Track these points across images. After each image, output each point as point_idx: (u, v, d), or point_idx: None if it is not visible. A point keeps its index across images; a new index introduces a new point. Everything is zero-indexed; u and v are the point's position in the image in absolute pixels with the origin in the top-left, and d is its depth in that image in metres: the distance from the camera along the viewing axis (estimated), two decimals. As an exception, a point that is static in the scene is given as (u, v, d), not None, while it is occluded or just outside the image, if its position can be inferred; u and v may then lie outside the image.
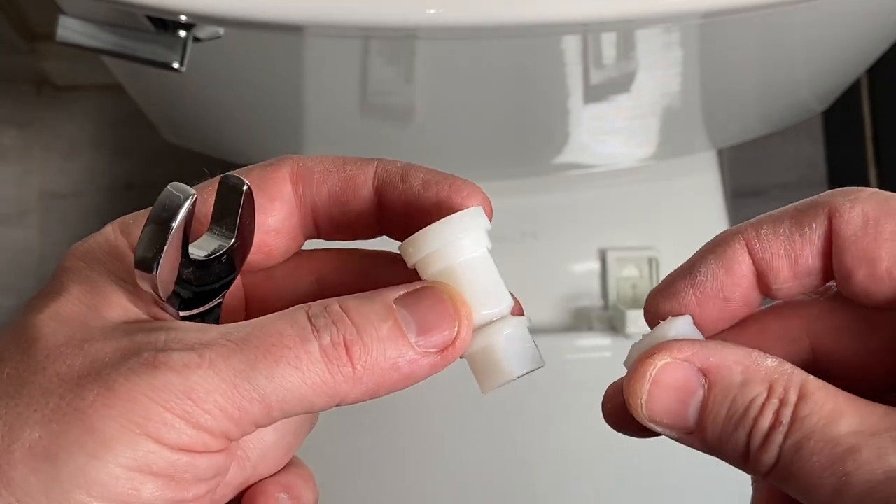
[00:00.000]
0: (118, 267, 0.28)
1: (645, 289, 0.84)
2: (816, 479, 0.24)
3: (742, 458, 0.26)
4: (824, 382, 0.26)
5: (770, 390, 0.26)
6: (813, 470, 0.24)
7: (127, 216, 0.30)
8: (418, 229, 0.28)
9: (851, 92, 1.09)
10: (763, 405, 0.25)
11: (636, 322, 0.76)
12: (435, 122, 0.73)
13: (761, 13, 0.52)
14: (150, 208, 0.27)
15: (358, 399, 0.27)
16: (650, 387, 0.27)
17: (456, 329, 0.27)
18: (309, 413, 0.27)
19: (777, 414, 0.25)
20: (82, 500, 0.24)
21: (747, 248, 0.28)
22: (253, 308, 0.32)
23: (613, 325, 0.82)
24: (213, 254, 0.28)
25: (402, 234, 0.29)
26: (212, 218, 0.29)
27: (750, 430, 0.26)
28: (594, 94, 0.67)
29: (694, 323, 0.29)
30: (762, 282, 0.28)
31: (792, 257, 0.28)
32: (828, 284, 0.29)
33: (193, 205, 0.26)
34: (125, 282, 0.28)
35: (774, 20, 0.57)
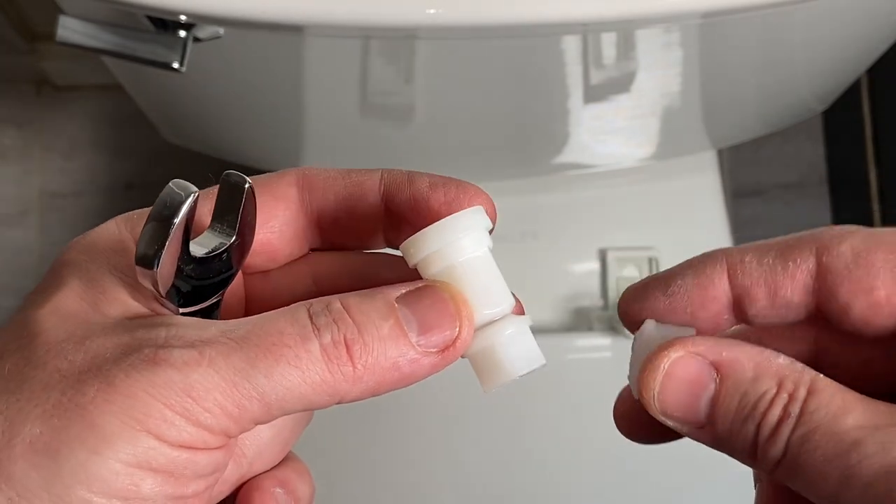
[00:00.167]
0: (120, 261, 0.28)
1: (645, 289, 0.84)
2: (822, 471, 0.25)
3: (751, 452, 0.26)
4: (833, 381, 0.26)
5: (780, 385, 0.26)
6: (818, 462, 0.25)
7: (131, 212, 0.30)
8: None
9: (851, 92, 1.09)
10: (773, 399, 0.26)
11: (636, 322, 0.76)
12: (435, 122, 0.73)
13: (761, 13, 0.52)
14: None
15: (358, 398, 0.27)
16: (663, 379, 0.27)
17: (457, 329, 0.27)
18: (308, 411, 0.27)
19: (786, 408, 0.25)
20: (83, 495, 0.24)
21: (728, 271, 0.28)
22: (252, 306, 0.32)
23: (613, 325, 0.82)
24: (213, 251, 0.28)
25: None
26: (213, 215, 0.29)
27: (759, 423, 0.26)
28: (594, 94, 0.67)
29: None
30: (739, 307, 0.28)
31: (772, 288, 0.28)
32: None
33: (195, 202, 0.26)
34: (126, 276, 0.28)
35: (774, 20, 0.57)
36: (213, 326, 0.26)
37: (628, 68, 0.63)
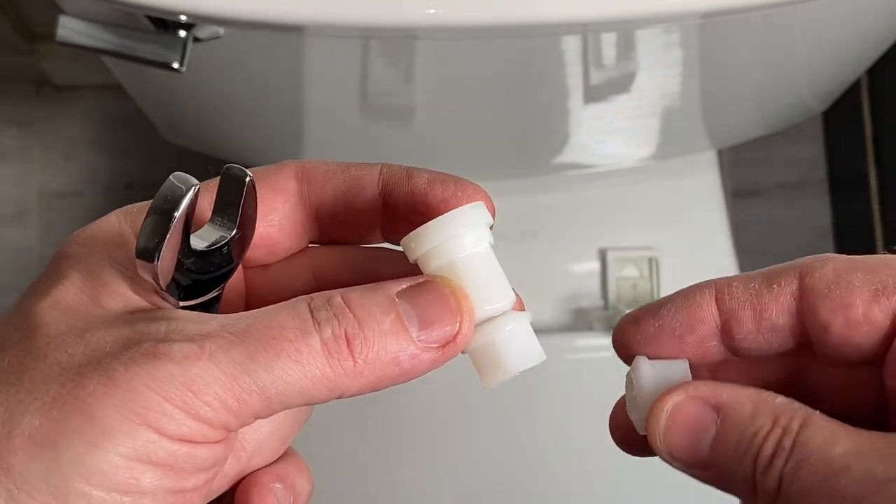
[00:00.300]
0: (120, 254, 0.28)
1: (645, 289, 0.84)
2: (814, 498, 0.25)
3: (750, 488, 0.27)
4: (825, 415, 0.26)
5: (775, 422, 0.26)
6: (810, 489, 0.25)
7: (132, 205, 0.30)
8: None
9: (851, 92, 1.09)
10: (767, 434, 0.26)
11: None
12: (435, 122, 0.73)
13: (761, 13, 0.52)
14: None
15: (358, 392, 0.27)
16: (667, 423, 0.28)
17: (458, 324, 0.27)
18: (308, 405, 0.27)
19: (780, 441, 0.26)
20: (81, 488, 0.24)
21: (715, 296, 0.29)
22: (252, 300, 0.32)
23: (613, 325, 0.81)
24: (214, 245, 0.28)
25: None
26: (214, 208, 0.29)
27: (755, 457, 0.26)
28: (594, 94, 0.67)
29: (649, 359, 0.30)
30: (726, 332, 0.29)
31: (758, 311, 0.28)
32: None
33: (196, 196, 0.26)
34: (126, 269, 0.28)
35: (774, 20, 0.57)
36: (213, 320, 0.26)
37: (628, 68, 0.63)
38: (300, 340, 0.26)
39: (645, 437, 0.29)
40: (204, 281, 0.28)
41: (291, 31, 0.51)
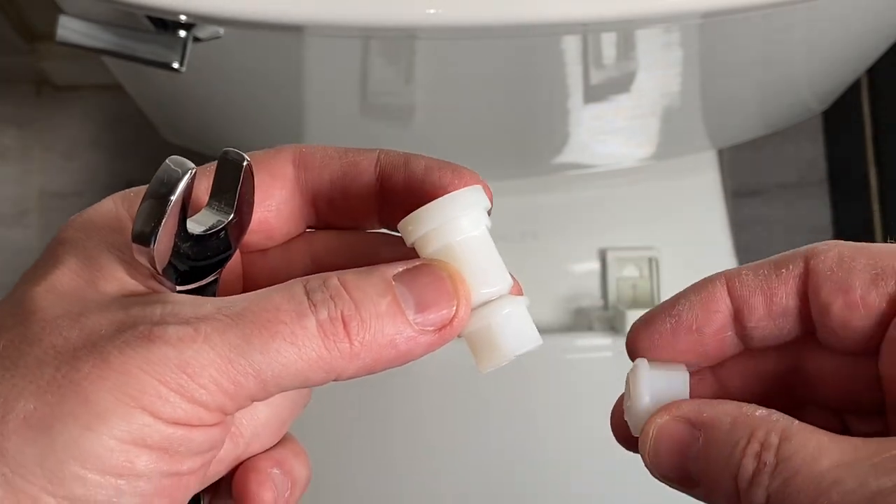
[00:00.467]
0: (117, 239, 0.28)
1: (645, 289, 0.84)
2: None
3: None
4: (807, 425, 0.26)
5: (752, 435, 0.26)
6: None
7: (128, 189, 0.30)
8: None
9: (851, 92, 1.09)
10: (745, 448, 0.26)
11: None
12: (435, 122, 0.73)
13: (761, 13, 0.52)
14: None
15: (354, 375, 0.27)
16: (653, 445, 0.28)
17: (454, 308, 0.27)
18: (305, 387, 0.27)
19: (759, 456, 0.26)
20: (76, 471, 0.24)
21: (727, 286, 0.29)
22: (250, 285, 0.32)
23: (613, 325, 0.82)
24: (211, 229, 0.28)
25: None
26: (211, 193, 0.29)
27: (735, 472, 0.26)
28: (594, 94, 0.67)
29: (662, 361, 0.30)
30: (739, 320, 0.29)
31: (768, 295, 0.29)
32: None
33: (192, 179, 0.26)
34: (123, 254, 0.28)
35: (774, 20, 0.57)
36: (209, 303, 0.26)
37: (628, 68, 0.63)
38: (296, 322, 0.26)
39: None
40: (201, 266, 0.28)
41: (291, 31, 0.51)
